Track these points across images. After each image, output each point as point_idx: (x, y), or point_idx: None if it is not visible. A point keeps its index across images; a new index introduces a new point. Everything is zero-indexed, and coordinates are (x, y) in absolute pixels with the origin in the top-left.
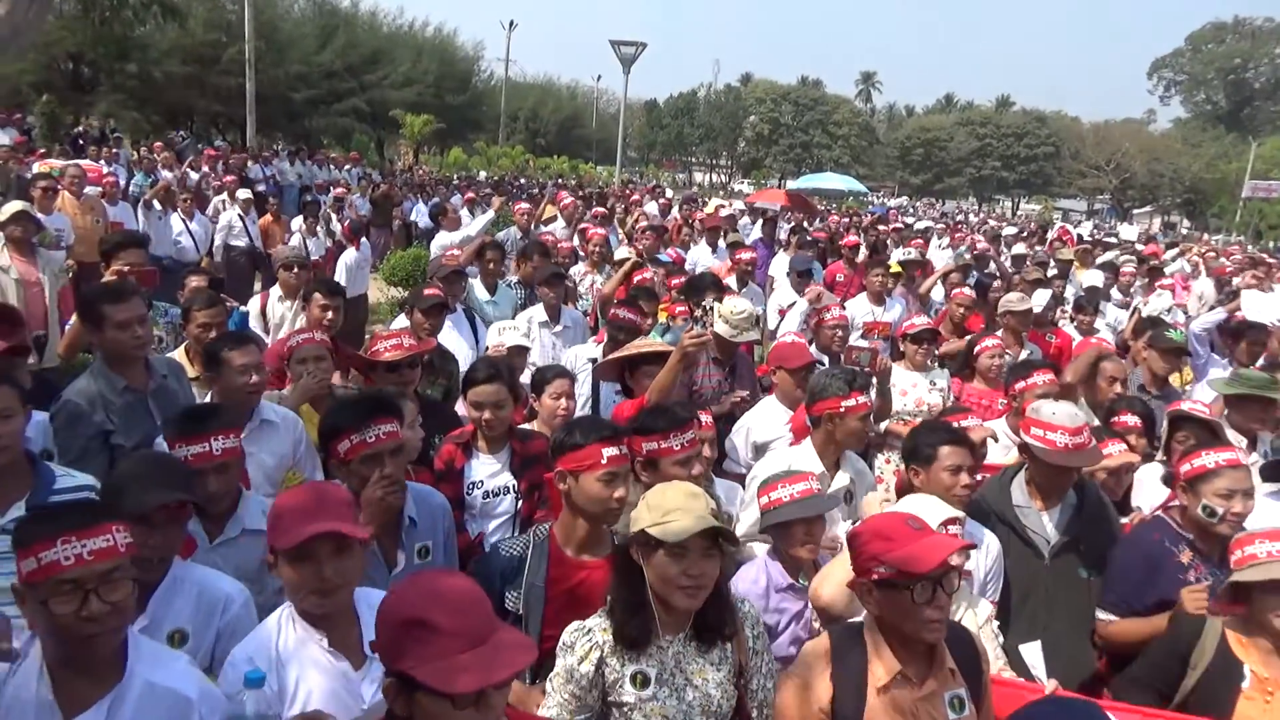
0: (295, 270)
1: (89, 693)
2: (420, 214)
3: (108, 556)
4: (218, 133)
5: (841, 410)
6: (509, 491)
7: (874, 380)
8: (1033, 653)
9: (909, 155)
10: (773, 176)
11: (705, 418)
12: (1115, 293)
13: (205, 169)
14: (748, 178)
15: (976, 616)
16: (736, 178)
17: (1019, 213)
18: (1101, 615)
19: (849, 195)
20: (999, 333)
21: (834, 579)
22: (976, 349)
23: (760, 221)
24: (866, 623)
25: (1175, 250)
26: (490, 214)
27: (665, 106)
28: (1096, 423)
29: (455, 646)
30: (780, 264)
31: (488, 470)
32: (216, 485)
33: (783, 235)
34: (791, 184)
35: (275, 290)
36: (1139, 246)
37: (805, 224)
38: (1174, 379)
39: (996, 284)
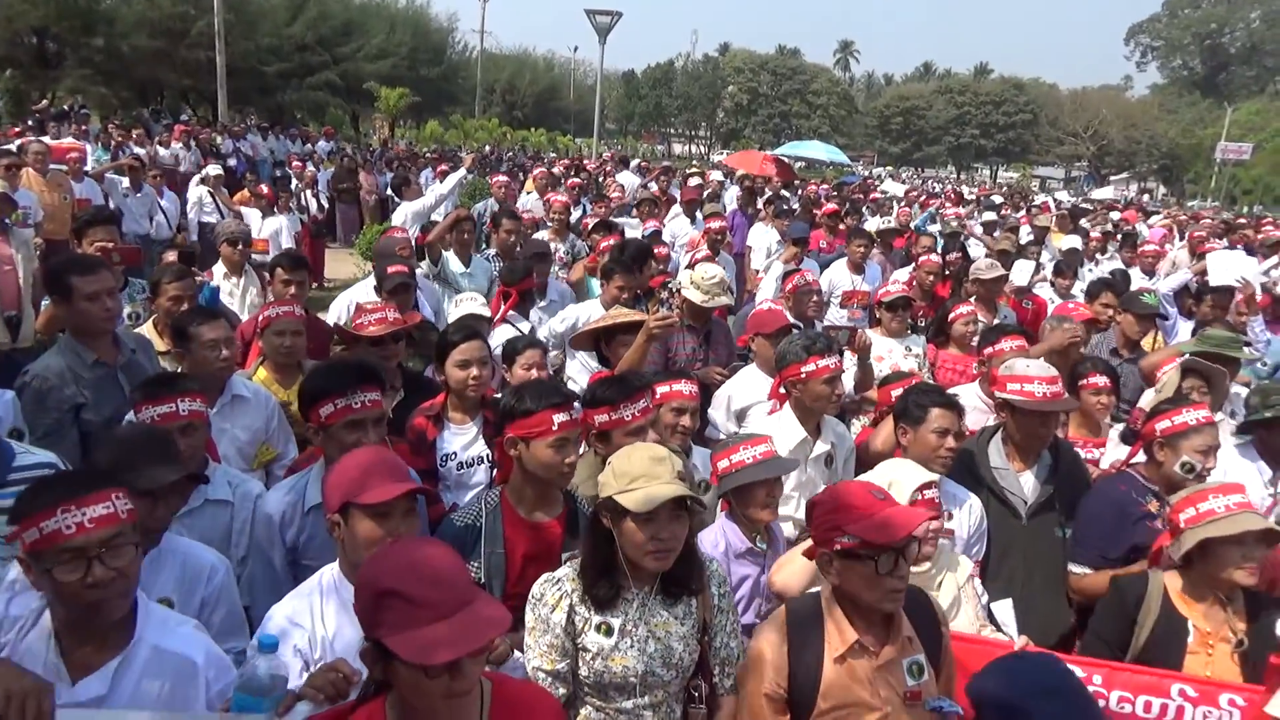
0: (239, 246)
1: (96, 657)
2: None
3: (109, 523)
4: (188, 108)
5: (802, 375)
6: (483, 461)
7: (845, 350)
8: (1004, 610)
9: (888, 124)
10: (752, 146)
11: (691, 387)
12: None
13: (178, 145)
14: (727, 148)
15: (957, 576)
16: (716, 148)
17: (998, 180)
18: (1074, 569)
19: (830, 164)
20: (973, 300)
21: (792, 568)
22: (950, 316)
23: (738, 190)
24: (824, 593)
25: (1159, 217)
26: (461, 172)
27: (643, 77)
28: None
29: (428, 617)
30: (759, 233)
31: (461, 441)
32: (183, 446)
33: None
34: (772, 152)
35: (219, 267)
36: (1114, 215)
37: (784, 192)
38: (1145, 342)
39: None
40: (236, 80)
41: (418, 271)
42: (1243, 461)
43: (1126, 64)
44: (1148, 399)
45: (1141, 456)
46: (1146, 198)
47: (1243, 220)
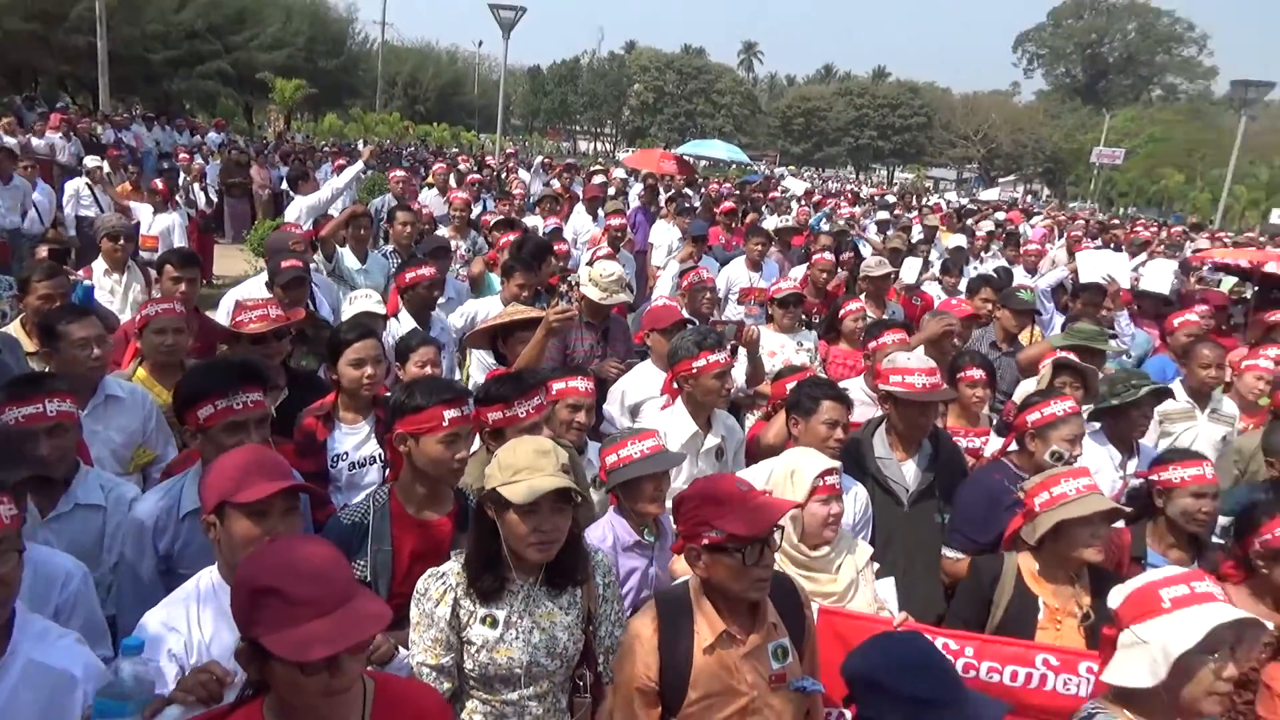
0: (121, 241)
1: None
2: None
3: None
4: (66, 95)
5: (694, 371)
6: (375, 461)
7: (740, 347)
8: (886, 589)
9: (790, 125)
10: (658, 145)
11: (587, 383)
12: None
13: (55, 134)
14: (633, 146)
15: (856, 560)
16: (621, 146)
17: (894, 181)
18: (948, 553)
19: (732, 164)
20: (863, 296)
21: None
22: (841, 312)
23: (640, 188)
24: (692, 585)
25: (1041, 217)
26: (358, 165)
27: (549, 74)
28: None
29: (306, 614)
30: (661, 230)
31: (353, 441)
32: (49, 449)
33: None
34: (675, 150)
35: (99, 264)
36: (1000, 215)
37: (687, 190)
38: (1023, 335)
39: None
40: (120, 68)
41: (315, 268)
42: (1095, 447)
43: (1015, 71)
44: (1024, 390)
45: (1015, 446)
46: (1031, 199)
47: (1116, 221)
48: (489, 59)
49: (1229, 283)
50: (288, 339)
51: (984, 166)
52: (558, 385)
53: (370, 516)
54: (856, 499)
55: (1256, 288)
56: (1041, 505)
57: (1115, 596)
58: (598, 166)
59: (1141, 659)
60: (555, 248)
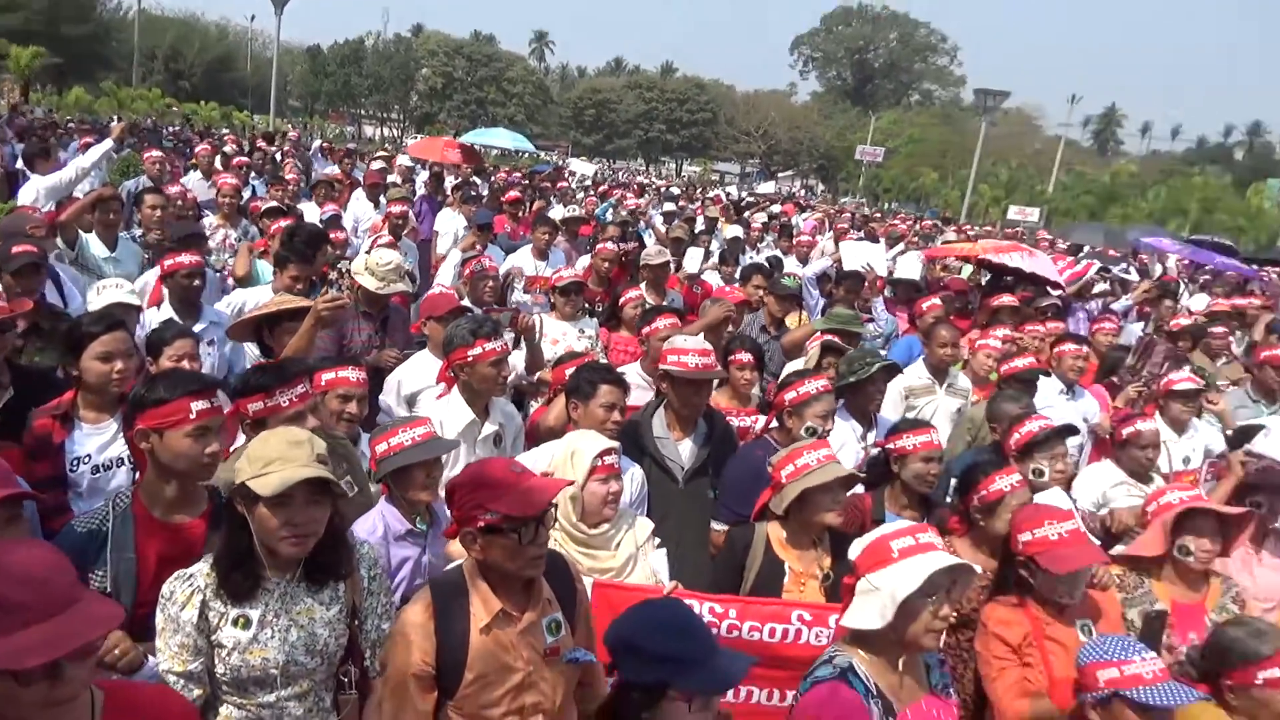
0: None
1: None
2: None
3: None
4: None
5: (469, 358)
6: (123, 463)
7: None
8: (658, 560)
9: (581, 115)
10: (447, 131)
11: (358, 373)
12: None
13: None
14: (421, 132)
15: (637, 536)
16: (410, 132)
17: (682, 174)
18: (716, 526)
19: (521, 153)
20: (644, 285)
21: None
22: (621, 300)
23: (426, 175)
24: (466, 567)
25: (812, 211)
26: (107, 144)
27: (330, 54)
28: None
29: (21, 620)
30: (446, 218)
31: (97, 442)
32: None
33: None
34: (459, 139)
35: None
36: (775, 208)
37: (474, 179)
38: (790, 320)
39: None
40: None
41: (61, 256)
42: (839, 422)
43: (791, 72)
44: (790, 371)
45: (776, 424)
46: (806, 193)
47: (878, 215)
48: (262, 34)
49: (969, 270)
50: (14, 333)
51: (765, 162)
52: (327, 375)
53: (110, 522)
54: (633, 479)
55: (988, 275)
56: (787, 477)
57: (855, 549)
58: (381, 153)
59: (874, 603)
60: (332, 236)
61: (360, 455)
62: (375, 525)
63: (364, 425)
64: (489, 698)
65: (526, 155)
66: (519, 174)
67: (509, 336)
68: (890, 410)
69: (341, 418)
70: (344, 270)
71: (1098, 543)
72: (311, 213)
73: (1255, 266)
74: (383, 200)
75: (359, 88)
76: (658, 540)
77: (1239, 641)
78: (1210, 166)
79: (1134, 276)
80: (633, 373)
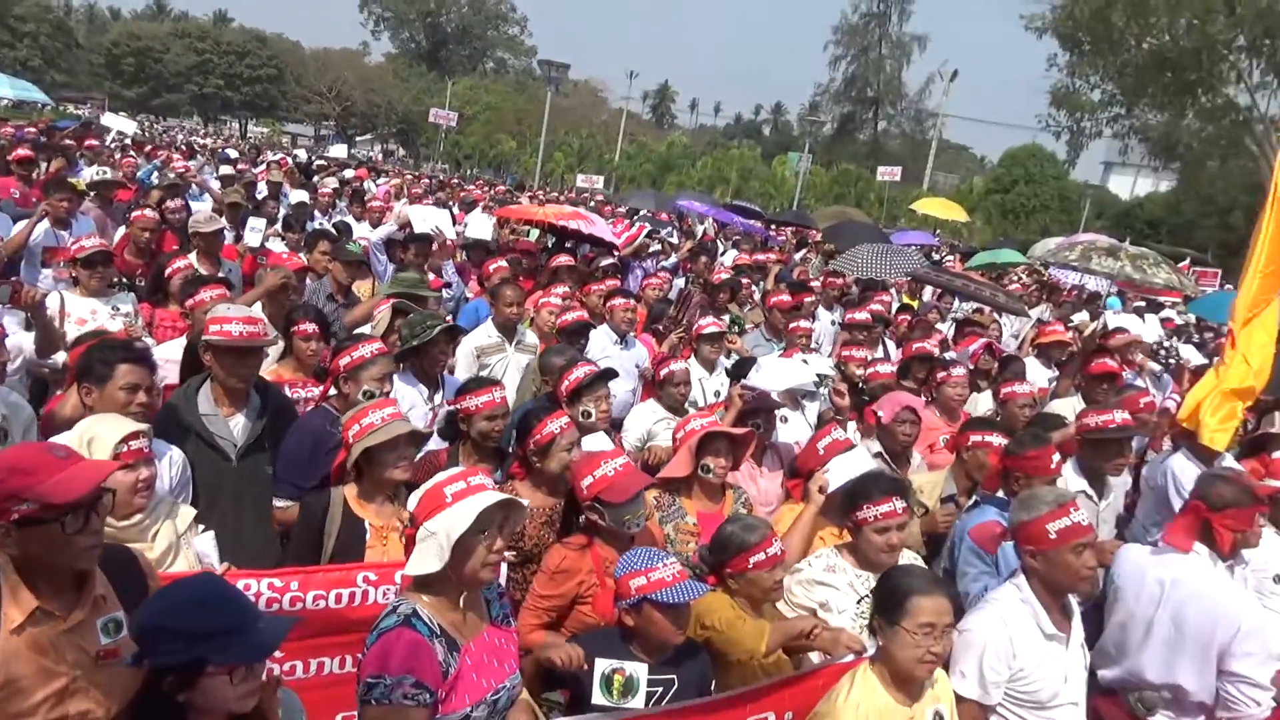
0: None
1: None
2: None
3: None
4: None
5: None
6: None
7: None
8: (205, 543)
9: (119, 64)
10: None
11: None
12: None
13: None
14: None
15: (177, 525)
16: None
17: (249, 135)
18: (278, 503)
19: (44, 106)
20: (194, 254)
21: None
22: (167, 271)
23: None
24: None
25: (384, 178)
26: None
27: None
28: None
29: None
30: None
31: None
32: None
33: None
34: None
35: None
36: (348, 172)
37: None
38: (360, 288)
39: None
40: None
41: None
42: (405, 387)
43: (364, 30)
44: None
45: (334, 390)
46: (385, 158)
47: (456, 181)
48: None
49: (536, 234)
50: None
51: (341, 124)
52: None
53: None
54: (173, 463)
55: (553, 239)
56: (354, 437)
57: (412, 500)
58: None
59: (432, 548)
60: None
61: None
62: None
63: None
64: (21, 706)
65: (48, 108)
66: (34, 129)
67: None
68: (463, 370)
69: None
70: None
71: None
72: None
73: (774, 228)
74: None
75: None
76: (201, 526)
77: (734, 535)
78: (746, 140)
79: (677, 238)
80: (175, 349)
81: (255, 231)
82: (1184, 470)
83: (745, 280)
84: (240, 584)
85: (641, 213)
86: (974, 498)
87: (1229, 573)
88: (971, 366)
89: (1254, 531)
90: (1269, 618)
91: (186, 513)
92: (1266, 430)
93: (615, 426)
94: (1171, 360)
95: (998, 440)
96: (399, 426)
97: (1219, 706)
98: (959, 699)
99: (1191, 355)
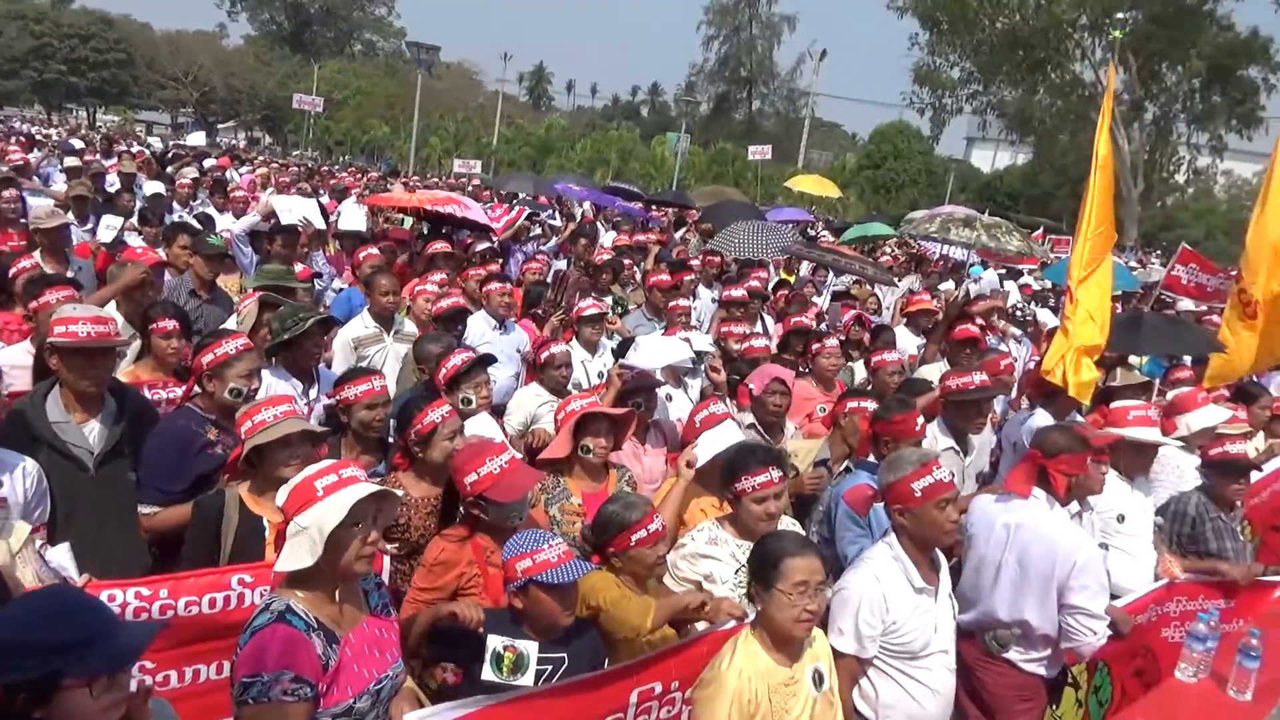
0: None
1: None
2: None
3: None
4: None
5: None
6: None
7: None
8: (61, 554)
9: None
10: None
11: None
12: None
13: None
14: None
15: (11, 543)
16: None
17: (98, 124)
18: (144, 509)
19: None
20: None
21: None
22: (12, 272)
23: None
24: None
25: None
26: None
27: None
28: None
29: None
30: None
31: None
32: None
33: None
34: None
35: None
36: (210, 161)
37: None
38: (226, 282)
39: None
40: None
41: None
42: (279, 381)
43: (219, 12)
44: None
45: (198, 389)
46: (249, 145)
47: (326, 168)
48: None
49: (411, 221)
50: None
51: (199, 111)
52: None
53: None
54: (25, 474)
55: (428, 225)
56: (246, 433)
57: (281, 494)
58: None
59: (304, 543)
60: None
61: None
62: None
63: None
64: None
65: None
66: None
67: None
68: (340, 363)
69: None
70: None
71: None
72: None
73: (654, 208)
74: None
75: None
76: (39, 541)
77: (615, 514)
78: (625, 121)
79: (558, 221)
80: (21, 352)
81: (110, 229)
82: None
83: (627, 261)
84: (104, 595)
85: (521, 196)
86: (845, 463)
87: (1078, 519)
88: (844, 337)
89: (1092, 476)
90: (1103, 554)
91: (21, 529)
92: (1110, 383)
93: (498, 412)
94: (1029, 324)
95: (872, 407)
96: (291, 425)
97: (1062, 638)
98: (837, 655)
99: (1048, 319)
